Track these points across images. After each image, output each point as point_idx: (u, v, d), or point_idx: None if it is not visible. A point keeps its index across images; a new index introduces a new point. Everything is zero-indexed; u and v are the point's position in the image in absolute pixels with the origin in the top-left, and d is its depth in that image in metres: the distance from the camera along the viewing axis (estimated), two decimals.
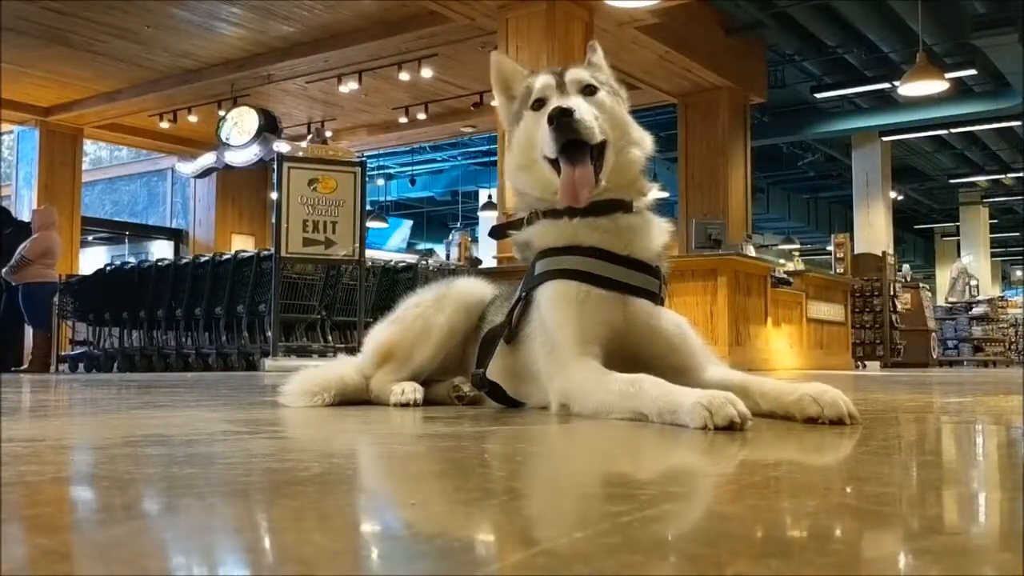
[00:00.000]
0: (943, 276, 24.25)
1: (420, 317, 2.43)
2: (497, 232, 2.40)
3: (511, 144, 2.19)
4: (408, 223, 24.77)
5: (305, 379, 2.46)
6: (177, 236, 17.12)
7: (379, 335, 2.52)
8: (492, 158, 15.69)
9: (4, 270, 10.46)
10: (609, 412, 1.85)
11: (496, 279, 2.60)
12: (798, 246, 19.75)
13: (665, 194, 13.53)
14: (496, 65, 2.31)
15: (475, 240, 20.51)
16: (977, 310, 19.26)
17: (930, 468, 1.30)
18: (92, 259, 16.20)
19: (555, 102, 2.01)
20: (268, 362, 8.34)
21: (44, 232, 10.60)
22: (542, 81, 2.11)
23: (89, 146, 16.49)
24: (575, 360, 1.99)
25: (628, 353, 2.04)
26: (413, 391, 2.35)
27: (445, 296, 2.45)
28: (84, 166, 15.70)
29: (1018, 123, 16.04)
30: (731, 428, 1.56)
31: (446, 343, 2.41)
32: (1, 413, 2.28)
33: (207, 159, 13.98)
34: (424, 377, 2.44)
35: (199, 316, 10.48)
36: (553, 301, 2.08)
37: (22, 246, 10.49)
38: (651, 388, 1.79)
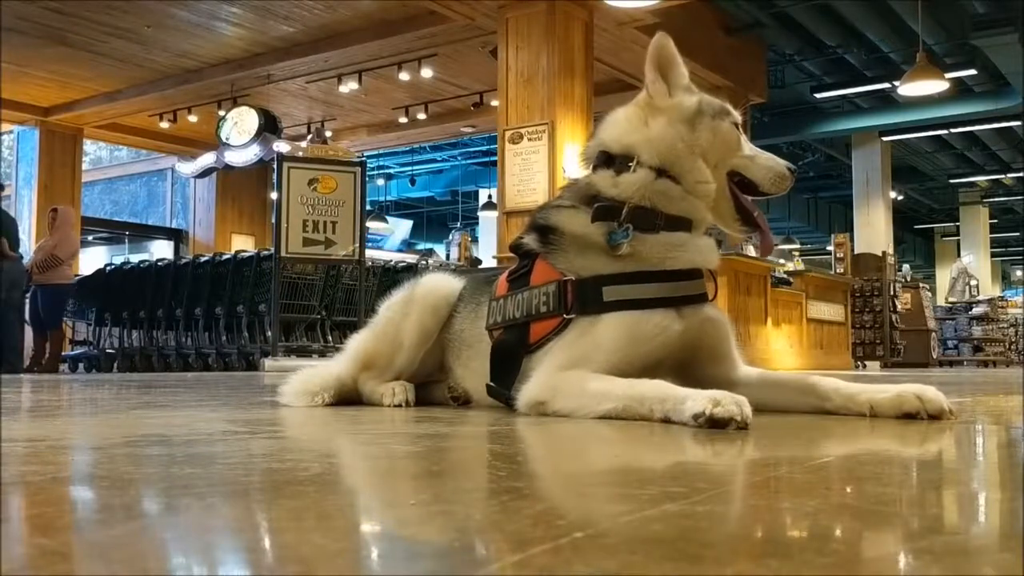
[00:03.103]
0: (943, 276, 24.24)
1: (390, 322, 2.42)
2: (603, 213, 2.02)
3: (678, 120, 2.09)
4: (408, 223, 24.79)
5: (304, 379, 2.46)
6: (177, 236, 17.12)
7: (357, 341, 2.51)
8: (492, 158, 15.67)
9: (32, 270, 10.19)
10: (599, 405, 1.81)
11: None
12: (798, 246, 19.74)
13: None
14: (660, 47, 2.25)
15: (475, 240, 20.52)
16: (977, 310, 19.25)
17: (930, 468, 1.30)
18: (92, 259, 16.20)
19: (747, 144, 2.13)
20: (268, 362, 8.34)
21: (69, 232, 10.53)
22: (736, 114, 2.16)
23: (89, 146, 16.48)
24: (580, 372, 1.94)
25: (680, 355, 2.01)
26: (404, 391, 2.34)
27: (411, 300, 2.41)
28: (84, 166, 15.69)
29: (1018, 123, 16.03)
30: (721, 427, 1.56)
31: (419, 346, 2.38)
32: (1, 413, 2.28)
33: (207, 159, 13.98)
34: (405, 379, 2.42)
35: (199, 316, 10.48)
36: (620, 329, 1.94)
37: (49, 245, 10.33)
38: (653, 383, 1.81)
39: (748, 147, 2.12)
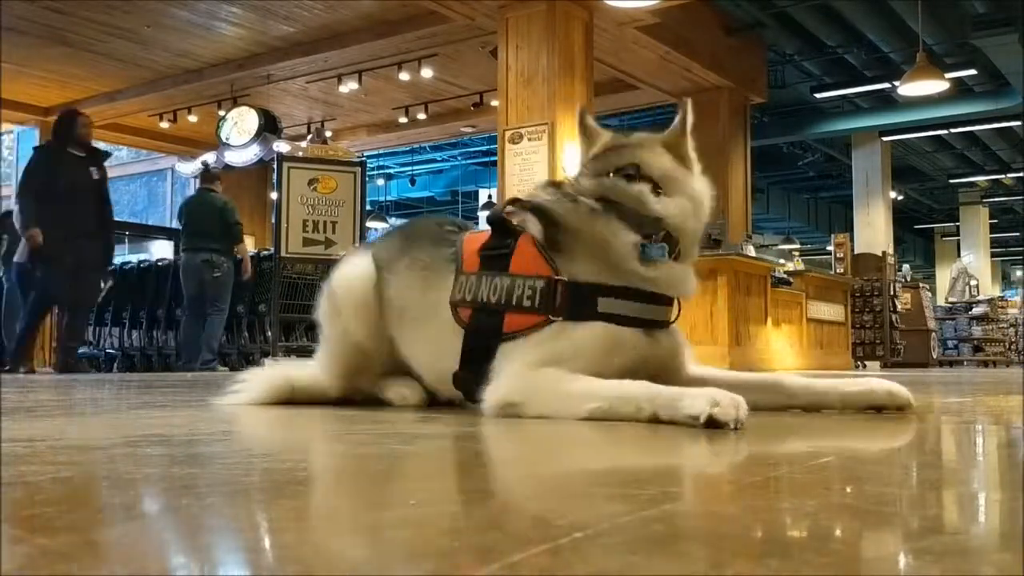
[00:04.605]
0: (943, 276, 24.24)
1: (331, 326, 2.37)
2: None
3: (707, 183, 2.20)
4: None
5: (265, 376, 2.45)
6: (177, 236, 17.09)
7: (320, 352, 2.46)
8: (492, 158, 15.66)
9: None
10: (583, 405, 1.76)
11: None
12: (798, 246, 19.75)
13: None
14: None
15: None
16: (977, 310, 19.25)
17: (930, 468, 1.30)
18: None
19: None
20: (268, 362, 8.34)
21: None
22: None
23: None
24: (557, 371, 1.88)
25: (641, 369, 2.00)
26: (411, 392, 2.33)
27: (332, 295, 2.36)
28: None
29: (1018, 123, 16.03)
30: (718, 427, 1.56)
31: (366, 349, 2.31)
32: (1, 413, 2.28)
33: (207, 159, 13.98)
34: (383, 371, 2.37)
35: None
36: (597, 340, 1.90)
37: None
38: (638, 382, 1.79)
39: None
